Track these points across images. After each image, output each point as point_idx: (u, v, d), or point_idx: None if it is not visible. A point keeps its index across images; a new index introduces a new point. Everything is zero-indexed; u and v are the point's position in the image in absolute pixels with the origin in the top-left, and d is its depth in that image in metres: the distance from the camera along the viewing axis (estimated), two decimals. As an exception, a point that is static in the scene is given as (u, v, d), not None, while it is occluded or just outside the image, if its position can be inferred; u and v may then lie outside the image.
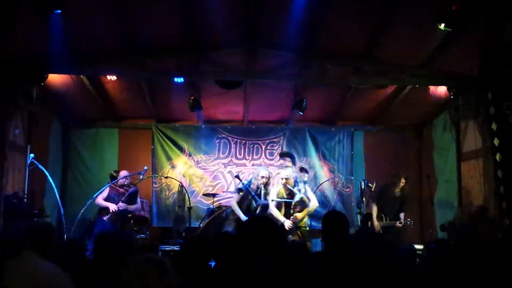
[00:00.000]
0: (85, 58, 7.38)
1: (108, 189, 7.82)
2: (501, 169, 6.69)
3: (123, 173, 7.97)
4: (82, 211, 7.53)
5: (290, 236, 6.96)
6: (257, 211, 7.21)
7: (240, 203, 7.34)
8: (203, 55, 7.81)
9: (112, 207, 7.57)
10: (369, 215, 7.81)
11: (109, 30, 7.01)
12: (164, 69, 7.93)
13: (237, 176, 7.72)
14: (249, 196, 7.31)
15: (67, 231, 7.42)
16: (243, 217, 7.13)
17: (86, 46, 7.20)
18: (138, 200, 8.14)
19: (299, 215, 7.03)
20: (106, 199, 7.69)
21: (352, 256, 3.08)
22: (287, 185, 7.16)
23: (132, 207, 7.92)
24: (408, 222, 7.55)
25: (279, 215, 7.03)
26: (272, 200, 7.14)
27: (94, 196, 7.69)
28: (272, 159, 10.12)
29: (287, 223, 6.92)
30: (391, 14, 6.59)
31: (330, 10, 6.76)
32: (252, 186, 7.33)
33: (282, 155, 9.73)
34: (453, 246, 4.55)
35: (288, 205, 7.15)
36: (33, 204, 7.65)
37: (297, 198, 7.05)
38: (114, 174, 8.39)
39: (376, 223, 7.68)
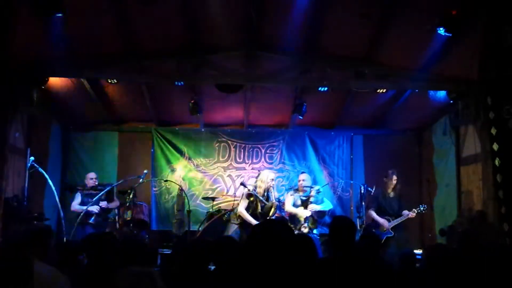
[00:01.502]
0: (85, 61, 7.40)
1: (80, 196, 7.84)
2: (500, 173, 6.69)
3: (91, 175, 8.06)
4: (81, 214, 7.52)
5: (304, 225, 7.12)
6: (271, 213, 7.17)
7: (247, 209, 7.33)
8: (204, 58, 7.82)
9: (94, 208, 7.59)
10: (371, 225, 7.83)
11: (109, 33, 7.03)
12: (164, 72, 7.94)
13: (242, 184, 7.69)
14: (254, 201, 7.29)
15: (66, 234, 7.41)
16: (254, 222, 7.07)
17: (87, 49, 7.22)
18: (115, 197, 8.20)
19: (315, 206, 7.19)
20: (81, 205, 7.71)
21: (358, 262, 3.08)
22: (304, 186, 7.43)
23: (111, 204, 8.00)
24: (422, 208, 7.57)
25: (295, 209, 7.19)
26: (291, 195, 7.45)
27: (72, 207, 7.76)
28: (271, 163, 10.12)
29: (305, 213, 7.15)
30: (391, 18, 6.61)
31: (330, 14, 6.79)
32: (258, 190, 7.29)
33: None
34: (455, 250, 4.55)
35: (306, 202, 7.38)
36: (32, 207, 7.65)
37: (316, 187, 7.44)
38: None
39: (383, 222, 7.71)
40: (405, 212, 7.63)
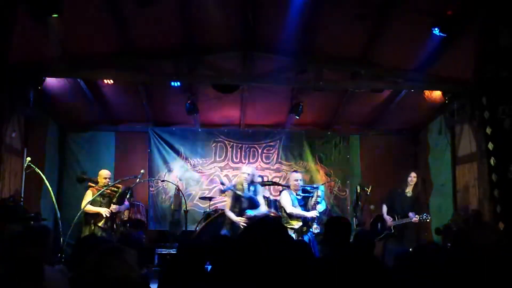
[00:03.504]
0: (82, 62, 7.39)
1: (90, 193, 7.57)
2: (495, 173, 6.73)
3: (105, 173, 7.77)
4: (78, 214, 7.51)
5: (315, 226, 7.17)
6: (243, 205, 7.19)
7: (232, 208, 7.36)
8: (200, 59, 7.83)
9: (104, 211, 7.39)
10: (379, 217, 7.94)
11: (106, 34, 7.03)
12: (161, 72, 7.96)
13: (221, 183, 7.79)
14: (236, 197, 7.28)
15: (63, 234, 7.40)
16: (236, 219, 7.10)
17: (83, 50, 7.23)
18: (126, 199, 7.94)
19: (321, 207, 7.25)
20: (91, 204, 7.44)
21: (355, 261, 3.10)
22: (300, 185, 7.43)
23: (122, 207, 7.76)
24: (425, 217, 7.52)
25: (302, 212, 7.20)
26: (298, 195, 7.38)
27: (83, 206, 7.39)
28: (268, 163, 10.15)
29: (314, 213, 7.14)
30: (387, 19, 6.65)
31: (326, 15, 6.81)
32: (238, 186, 7.30)
33: None
34: (450, 250, 4.57)
35: (306, 202, 7.39)
36: (29, 208, 7.63)
37: (320, 191, 7.38)
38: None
39: (387, 218, 7.80)
40: (411, 214, 7.60)
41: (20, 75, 7.04)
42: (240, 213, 7.12)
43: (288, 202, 7.29)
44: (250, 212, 7.07)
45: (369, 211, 8.68)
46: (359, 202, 7.96)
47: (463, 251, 3.87)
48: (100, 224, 7.41)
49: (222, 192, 7.34)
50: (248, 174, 7.23)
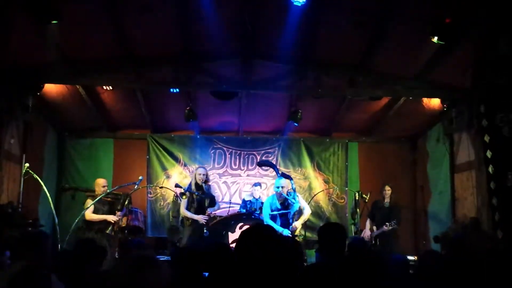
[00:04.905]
0: (81, 68, 7.40)
1: (91, 202, 7.55)
2: (493, 181, 6.73)
3: (102, 182, 7.84)
4: (76, 221, 7.49)
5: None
6: (206, 204, 7.56)
7: (189, 208, 7.50)
8: (199, 65, 7.85)
9: (112, 218, 7.45)
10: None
11: (105, 40, 7.05)
12: (160, 79, 7.97)
13: (177, 185, 7.89)
14: (194, 197, 7.48)
15: (61, 241, 7.38)
16: (196, 217, 7.35)
17: (82, 56, 7.24)
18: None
19: (297, 224, 7.11)
20: (93, 212, 7.49)
21: (350, 267, 3.09)
22: (282, 194, 7.09)
23: (122, 213, 7.75)
24: (393, 224, 7.69)
25: (277, 227, 7.02)
26: (272, 211, 7.21)
27: (87, 215, 7.41)
28: (266, 170, 10.13)
29: (286, 232, 6.99)
30: (385, 27, 6.66)
31: (325, 22, 6.83)
32: (192, 187, 7.54)
33: (260, 165, 9.87)
34: (446, 257, 4.57)
35: (285, 215, 7.17)
36: (27, 214, 7.61)
37: (295, 207, 7.11)
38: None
39: (366, 233, 8.13)
40: (384, 226, 7.79)
41: (19, 81, 7.06)
42: (199, 211, 7.44)
43: (266, 214, 7.25)
44: (212, 209, 7.58)
45: (367, 218, 8.68)
46: (358, 209, 7.97)
47: (458, 257, 3.87)
48: (107, 231, 7.44)
49: (183, 194, 7.45)
50: (204, 174, 7.61)
